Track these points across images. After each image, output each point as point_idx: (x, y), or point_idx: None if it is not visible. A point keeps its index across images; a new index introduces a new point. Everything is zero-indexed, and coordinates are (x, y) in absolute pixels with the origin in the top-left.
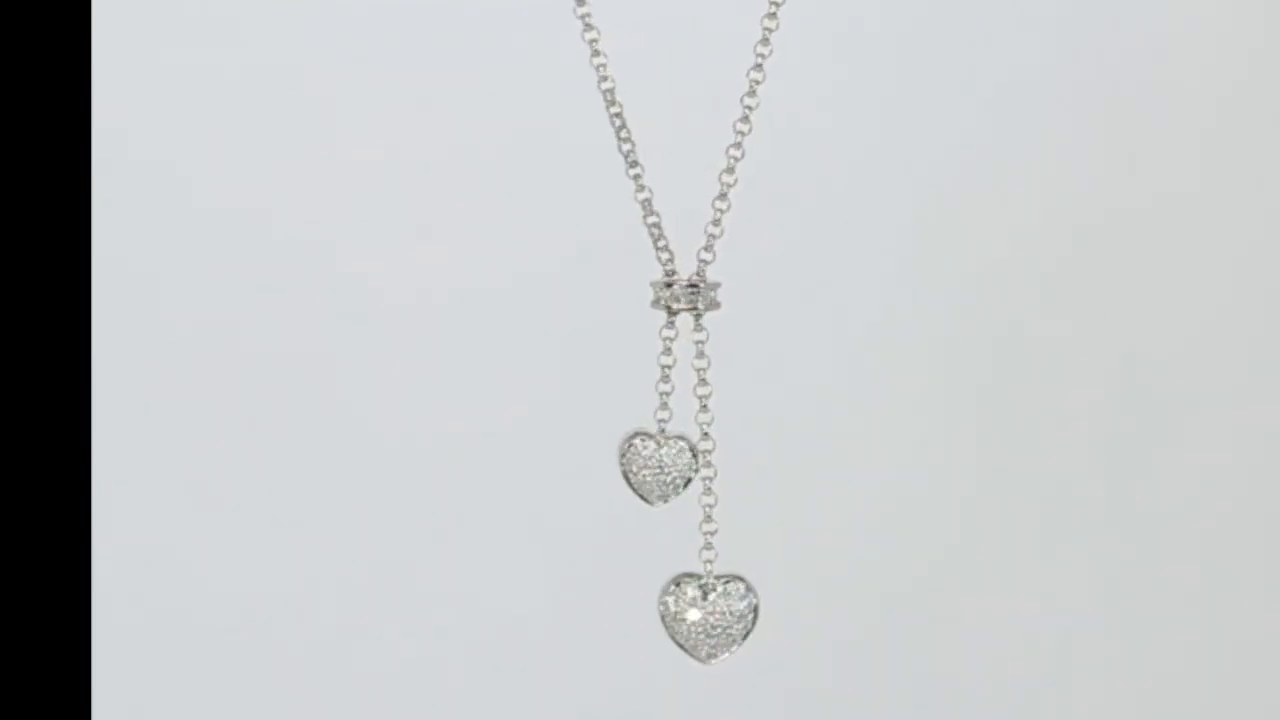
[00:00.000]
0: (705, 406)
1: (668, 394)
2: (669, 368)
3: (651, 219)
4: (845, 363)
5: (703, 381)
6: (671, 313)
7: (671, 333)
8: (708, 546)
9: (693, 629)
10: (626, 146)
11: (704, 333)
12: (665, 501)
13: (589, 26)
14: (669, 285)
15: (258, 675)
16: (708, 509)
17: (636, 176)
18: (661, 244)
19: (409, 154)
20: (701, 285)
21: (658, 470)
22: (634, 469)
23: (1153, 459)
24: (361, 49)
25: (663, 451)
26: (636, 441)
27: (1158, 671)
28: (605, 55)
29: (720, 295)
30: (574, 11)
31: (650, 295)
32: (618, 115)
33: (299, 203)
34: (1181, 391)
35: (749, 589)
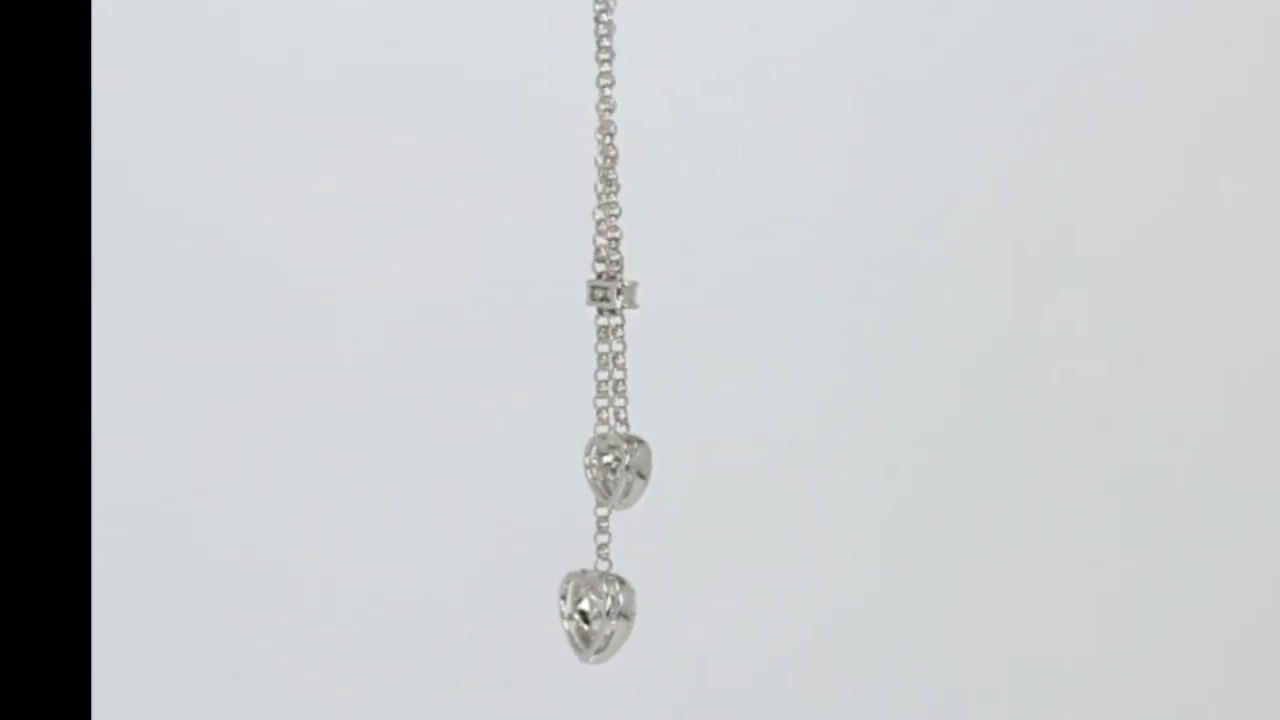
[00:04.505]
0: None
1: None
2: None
3: (601, 224)
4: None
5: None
6: (601, 311)
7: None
8: (603, 545)
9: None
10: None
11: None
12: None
13: (606, 44)
14: (596, 285)
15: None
16: (609, 484)
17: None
18: (601, 248)
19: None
20: (611, 281)
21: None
22: (644, 472)
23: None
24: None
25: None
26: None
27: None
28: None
29: (641, 294)
30: (599, 22)
31: (584, 294)
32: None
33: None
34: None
35: (619, 587)
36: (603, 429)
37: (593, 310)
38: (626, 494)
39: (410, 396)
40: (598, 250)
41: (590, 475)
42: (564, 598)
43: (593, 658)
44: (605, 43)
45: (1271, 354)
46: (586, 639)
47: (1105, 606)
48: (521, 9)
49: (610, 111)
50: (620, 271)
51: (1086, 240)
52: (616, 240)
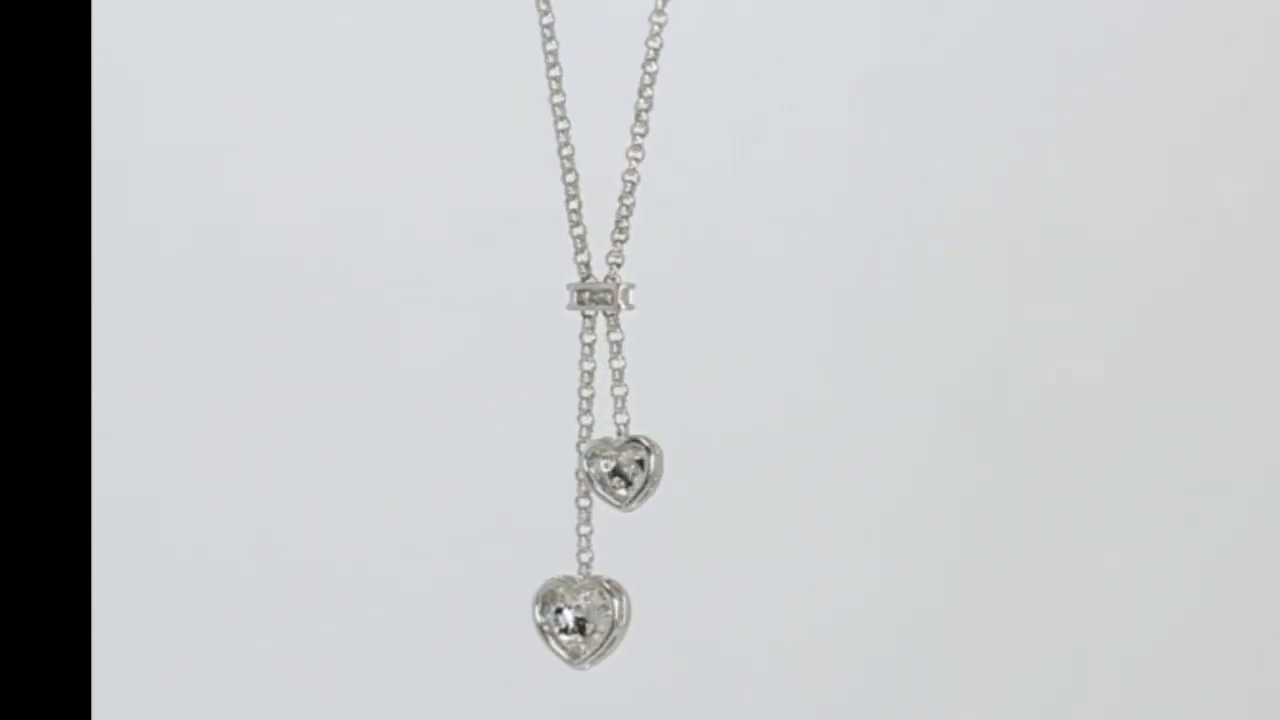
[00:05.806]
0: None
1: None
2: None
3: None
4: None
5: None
6: (587, 315)
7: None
8: (584, 550)
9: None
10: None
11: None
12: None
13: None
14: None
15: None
16: (584, 509)
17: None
18: (581, 251)
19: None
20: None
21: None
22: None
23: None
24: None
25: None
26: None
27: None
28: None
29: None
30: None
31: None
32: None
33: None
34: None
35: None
36: (584, 432)
37: (590, 313)
38: (644, 502)
39: (411, 397)
40: (580, 252)
41: (594, 490)
42: (538, 604)
43: (586, 664)
44: (654, 43)
45: (1269, 354)
46: (570, 651)
47: (1102, 606)
48: (519, 8)
49: (648, 110)
50: (617, 273)
51: (1084, 240)
52: (622, 241)
